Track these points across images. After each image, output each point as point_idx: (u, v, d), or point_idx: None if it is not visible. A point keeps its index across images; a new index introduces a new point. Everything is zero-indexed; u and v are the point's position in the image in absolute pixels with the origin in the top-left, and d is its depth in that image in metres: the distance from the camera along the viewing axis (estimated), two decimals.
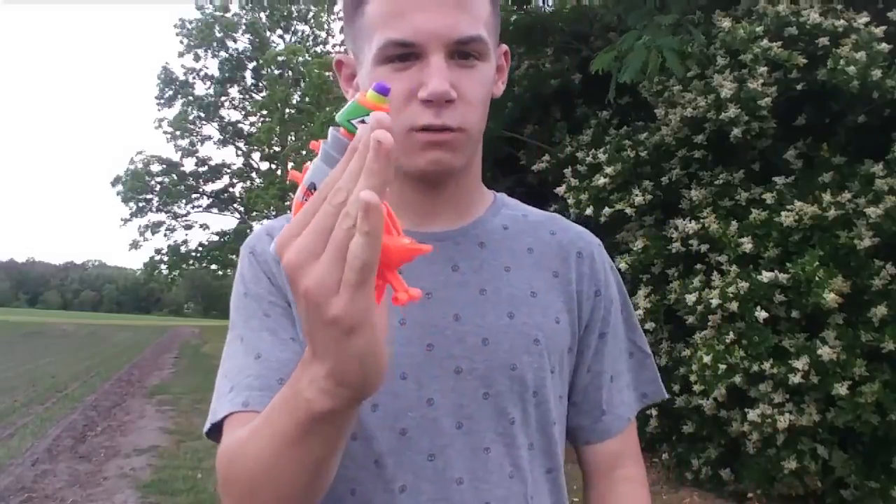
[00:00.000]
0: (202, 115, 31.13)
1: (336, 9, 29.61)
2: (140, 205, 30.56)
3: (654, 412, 4.45)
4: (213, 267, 35.23)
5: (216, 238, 31.97)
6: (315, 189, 0.46)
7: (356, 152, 0.43)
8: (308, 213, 0.45)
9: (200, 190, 32.16)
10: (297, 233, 0.45)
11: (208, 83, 31.09)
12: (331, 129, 0.46)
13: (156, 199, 30.86)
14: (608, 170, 4.41)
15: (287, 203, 26.20)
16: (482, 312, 0.71)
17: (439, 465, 0.68)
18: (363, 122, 0.44)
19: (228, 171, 32.35)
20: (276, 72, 29.41)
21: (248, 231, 31.23)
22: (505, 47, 0.76)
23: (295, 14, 30.71)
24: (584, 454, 0.82)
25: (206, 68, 36.39)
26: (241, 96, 32.14)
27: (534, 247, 0.77)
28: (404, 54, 0.65)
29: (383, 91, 0.45)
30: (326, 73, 27.44)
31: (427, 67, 0.65)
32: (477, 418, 0.69)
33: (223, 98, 31.49)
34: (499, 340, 0.70)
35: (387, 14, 0.65)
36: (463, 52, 0.66)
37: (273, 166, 31.14)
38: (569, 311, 0.76)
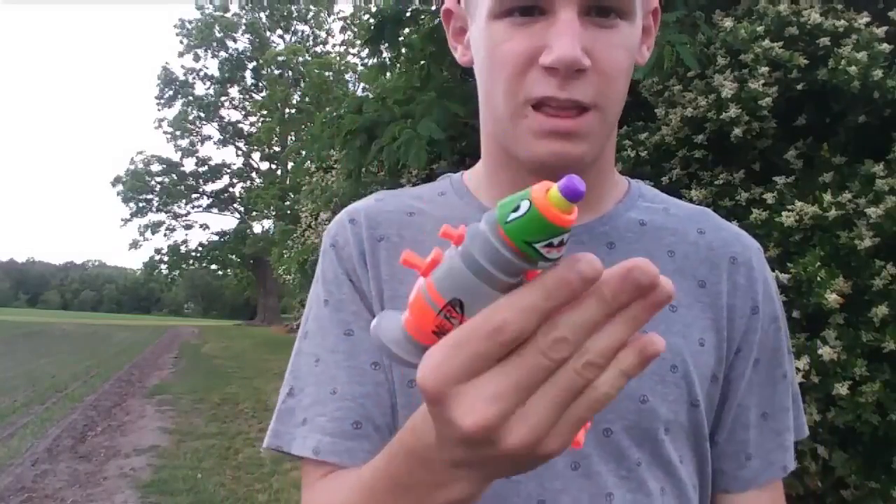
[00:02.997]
0: (202, 115, 31.19)
1: (336, 9, 29.68)
2: (140, 205, 30.64)
3: None
4: (213, 267, 35.32)
5: (216, 238, 32.05)
6: (461, 308, 0.34)
7: (583, 293, 0.32)
8: (477, 348, 0.33)
9: (200, 190, 32.23)
10: (466, 373, 0.33)
11: (208, 83, 31.19)
12: (483, 226, 0.32)
13: (156, 199, 30.95)
14: None
15: (287, 203, 26.23)
16: None
17: None
18: (551, 244, 0.31)
19: (228, 171, 32.44)
20: (276, 72, 29.45)
21: (248, 231, 31.28)
22: (655, 2, 0.61)
23: (295, 14, 30.76)
24: None
25: (206, 68, 36.55)
26: (241, 96, 32.22)
27: (676, 248, 0.62)
28: (527, 7, 0.53)
29: (574, 195, 0.30)
30: (326, 73, 27.47)
31: (554, 25, 0.51)
32: (596, 458, 0.57)
33: (223, 98, 31.56)
34: None
35: None
36: (601, 7, 0.52)
37: (273, 166, 31.18)
38: (717, 331, 0.60)
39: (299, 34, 32.01)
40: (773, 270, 3.56)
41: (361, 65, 23.48)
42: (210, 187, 32.47)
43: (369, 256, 0.64)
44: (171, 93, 30.75)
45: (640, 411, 0.57)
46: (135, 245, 31.19)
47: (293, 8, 29.84)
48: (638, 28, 0.56)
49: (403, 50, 6.13)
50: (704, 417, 0.60)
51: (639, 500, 0.57)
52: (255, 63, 30.65)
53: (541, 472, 0.56)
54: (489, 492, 0.54)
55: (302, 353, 0.64)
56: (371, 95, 6.34)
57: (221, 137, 31.93)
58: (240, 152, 32.66)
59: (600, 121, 0.54)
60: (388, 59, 6.23)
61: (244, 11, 30.29)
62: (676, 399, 0.58)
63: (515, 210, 0.31)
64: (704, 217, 0.66)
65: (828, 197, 3.58)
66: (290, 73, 29.37)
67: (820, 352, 3.41)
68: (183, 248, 31.82)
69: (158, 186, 30.90)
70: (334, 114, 5.92)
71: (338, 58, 29.14)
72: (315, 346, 0.63)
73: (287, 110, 29.50)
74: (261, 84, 31.16)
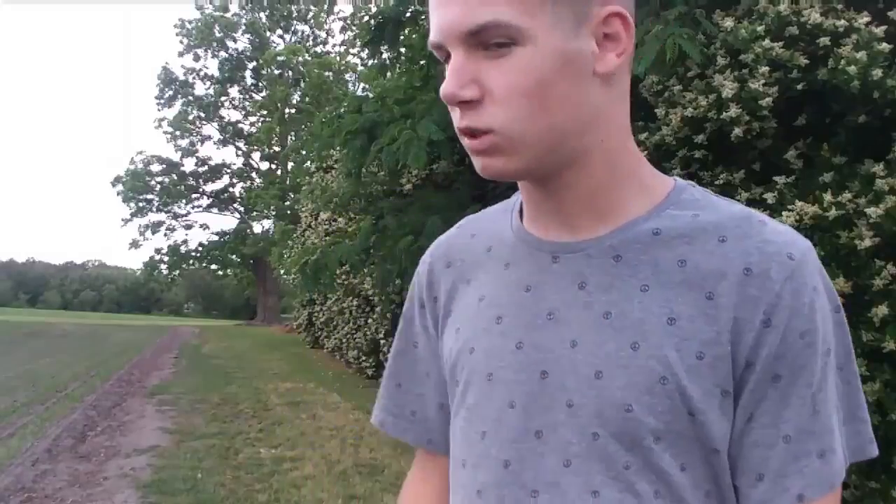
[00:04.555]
0: (202, 115, 31.19)
1: (336, 9, 29.67)
2: (140, 205, 30.62)
3: None
4: (213, 267, 35.28)
5: (216, 238, 32.05)
6: None
7: None
8: None
9: (200, 190, 32.23)
10: None
11: (208, 83, 31.19)
12: None
13: (156, 199, 30.94)
14: None
15: (287, 203, 26.23)
16: (601, 340, 0.61)
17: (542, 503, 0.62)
18: None
19: (228, 171, 32.44)
20: (276, 72, 29.44)
21: (248, 231, 31.27)
22: (612, 9, 0.59)
23: (295, 14, 30.73)
24: None
25: (206, 68, 36.43)
26: (241, 96, 32.22)
27: (689, 258, 0.61)
28: (445, 56, 0.60)
29: None
30: (326, 73, 27.46)
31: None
32: (585, 458, 0.60)
33: (223, 98, 31.56)
34: (614, 375, 0.59)
35: (430, 13, 0.60)
36: (486, 42, 0.56)
37: (273, 166, 31.18)
38: (720, 344, 0.59)
39: (299, 34, 32.01)
40: None
41: (361, 65, 23.44)
42: (210, 187, 32.48)
43: (436, 283, 0.76)
44: (171, 93, 30.74)
45: (625, 419, 0.59)
46: (135, 245, 31.22)
47: (293, 8, 29.82)
48: (550, 50, 0.57)
49: (403, 50, 6.13)
50: (713, 429, 0.59)
51: (627, 500, 0.59)
52: (255, 63, 30.64)
53: (536, 466, 0.62)
54: (490, 479, 0.65)
55: (393, 346, 0.84)
56: (371, 95, 6.34)
57: (221, 137, 31.93)
58: (240, 152, 32.67)
59: (506, 140, 0.58)
60: (388, 60, 6.23)
61: (244, 11, 30.29)
62: (667, 410, 0.58)
63: None
64: (735, 223, 0.62)
65: (828, 197, 3.58)
66: (290, 73, 29.36)
67: None
68: (183, 248, 31.81)
69: (158, 186, 30.90)
70: (334, 114, 5.91)
71: (338, 58, 29.15)
72: (395, 347, 0.83)
73: (287, 110, 29.49)
74: (261, 84, 31.16)
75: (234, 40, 30.67)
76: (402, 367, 0.81)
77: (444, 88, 0.57)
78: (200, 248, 32.15)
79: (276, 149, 29.83)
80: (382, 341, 9.01)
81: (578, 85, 0.59)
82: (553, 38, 0.57)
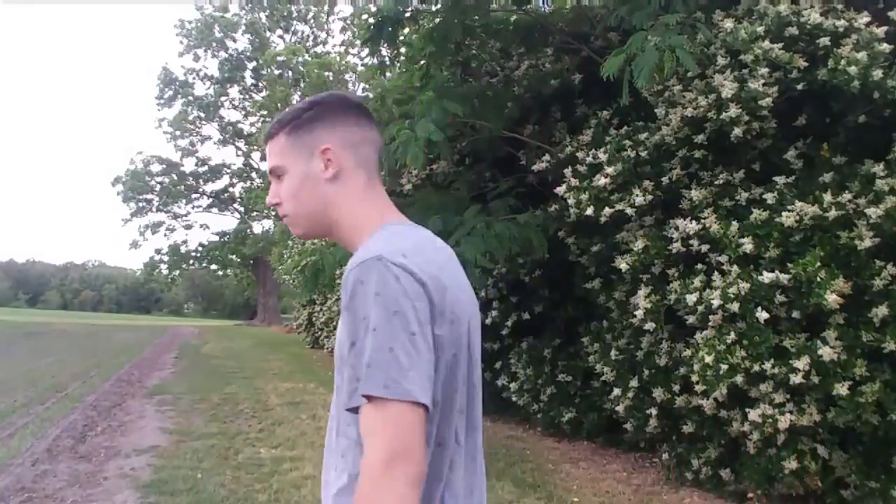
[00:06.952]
0: (202, 115, 31.12)
1: (336, 9, 29.66)
2: (140, 205, 30.58)
3: (653, 412, 4.45)
4: (213, 267, 35.23)
5: (216, 238, 31.99)
6: None
7: None
8: None
9: (200, 190, 32.18)
10: None
11: (208, 83, 31.11)
12: None
13: (156, 199, 30.88)
14: (608, 170, 4.40)
15: None
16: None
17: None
18: None
19: (228, 171, 32.37)
20: (276, 72, 29.39)
21: (248, 231, 31.26)
22: (323, 146, 1.10)
23: (295, 14, 30.68)
24: None
25: (206, 68, 36.31)
26: (241, 96, 32.15)
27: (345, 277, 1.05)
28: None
29: None
30: (326, 73, 27.43)
31: None
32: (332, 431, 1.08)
33: (223, 98, 31.48)
34: (340, 354, 1.02)
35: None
36: (275, 174, 1.13)
37: None
38: (341, 327, 1.01)
39: (299, 34, 31.97)
40: (772, 271, 3.49)
41: (361, 65, 23.41)
42: (210, 187, 32.43)
43: None
44: (171, 93, 30.69)
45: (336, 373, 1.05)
46: (135, 245, 31.18)
47: (293, 8, 29.79)
48: (298, 172, 1.11)
49: (403, 49, 6.13)
50: (348, 374, 0.96)
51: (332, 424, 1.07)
52: (255, 63, 30.60)
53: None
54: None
55: None
56: (371, 95, 6.34)
57: (221, 137, 31.88)
58: (240, 152, 32.62)
59: (292, 221, 1.14)
60: (387, 59, 6.23)
61: (244, 11, 30.25)
62: (340, 356, 1.01)
63: None
64: (356, 256, 1.00)
65: (828, 197, 3.58)
66: (290, 73, 29.32)
67: (820, 352, 3.40)
68: (183, 249, 31.76)
69: (158, 186, 30.86)
70: None
71: (338, 58, 29.12)
72: None
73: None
74: (261, 84, 31.10)
75: (234, 40, 30.62)
76: None
77: (267, 200, 1.15)
78: (200, 248, 32.11)
79: None
80: None
81: (316, 188, 1.10)
82: (298, 167, 1.11)
